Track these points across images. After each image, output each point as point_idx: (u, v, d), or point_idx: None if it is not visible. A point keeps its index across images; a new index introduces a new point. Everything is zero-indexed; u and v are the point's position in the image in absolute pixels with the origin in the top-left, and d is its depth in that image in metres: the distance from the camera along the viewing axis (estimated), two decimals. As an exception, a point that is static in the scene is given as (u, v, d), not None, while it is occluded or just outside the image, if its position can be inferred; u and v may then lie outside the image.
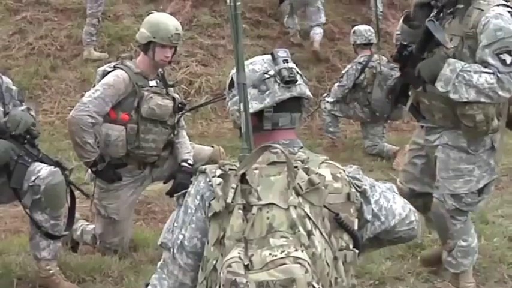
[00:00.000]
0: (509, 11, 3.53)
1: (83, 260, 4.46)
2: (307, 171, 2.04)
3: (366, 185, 2.20)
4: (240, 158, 2.08)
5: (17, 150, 3.84)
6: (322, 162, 2.13)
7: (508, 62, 3.43)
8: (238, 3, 2.08)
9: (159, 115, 4.41)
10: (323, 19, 9.90)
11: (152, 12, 4.69)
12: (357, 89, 7.49)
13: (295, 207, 1.94)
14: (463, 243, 3.89)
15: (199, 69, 9.27)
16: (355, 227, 2.11)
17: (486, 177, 3.79)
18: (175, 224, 2.16)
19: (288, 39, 10.06)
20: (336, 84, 7.77)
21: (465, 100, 3.47)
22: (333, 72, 9.56)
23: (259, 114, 2.20)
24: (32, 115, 4.04)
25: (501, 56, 3.43)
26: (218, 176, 2.07)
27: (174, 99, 4.55)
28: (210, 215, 2.02)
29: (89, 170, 4.52)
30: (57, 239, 4.01)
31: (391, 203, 2.27)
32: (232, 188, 1.99)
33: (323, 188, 2.02)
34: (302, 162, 2.09)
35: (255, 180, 2.01)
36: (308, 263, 1.85)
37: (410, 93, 3.96)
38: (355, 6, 11.04)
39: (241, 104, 2.11)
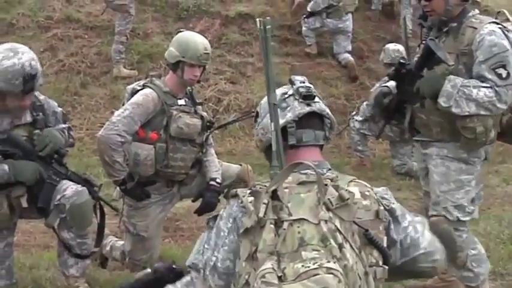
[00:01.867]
0: (500, 28, 3.71)
1: (112, 276, 4.51)
2: (336, 188, 2.13)
3: (394, 204, 2.28)
4: (272, 176, 2.20)
5: (44, 171, 3.87)
6: (351, 181, 2.23)
7: (504, 75, 3.62)
8: (268, 27, 2.26)
9: (187, 134, 4.43)
10: (350, 47, 10.05)
11: (181, 31, 4.68)
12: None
13: (326, 221, 2.03)
14: (474, 252, 3.97)
15: (227, 87, 9.32)
16: (385, 244, 2.19)
17: (479, 186, 3.96)
18: (206, 246, 2.23)
19: (313, 56, 10.11)
20: (364, 103, 7.79)
21: (466, 113, 3.65)
22: (362, 90, 9.59)
23: (284, 133, 2.31)
24: (69, 134, 4.11)
25: (497, 70, 3.62)
26: (249, 195, 2.15)
27: (202, 117, 4.55)
28: (241, 231, 2.10)
29: (118, 187, 4.55)
30: (85, 258, 4.05)
31: (418, 235, 2.32)
32: (264, 203, 2.06)
33: (352, 204, 2.11)
34: (331, 180, 2.18)
35: (286, 197, 2.09)
36: (341, 273, 1.92)
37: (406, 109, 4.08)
38: (384, 24, 11.05)
39: (272, 124, 2.25)
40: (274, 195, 2.08)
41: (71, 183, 3.95)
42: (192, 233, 5.48)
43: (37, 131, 3.90)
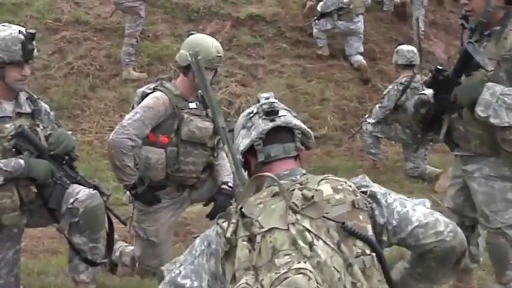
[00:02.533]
0: None
1: (121, 282, 4.50)
2: (302, 190, 2.16)
3: (374, 189, 2.29)
4: (236, 195, 2.28)
5: (56, 171, 3.88)
6: (322, 179, 2.25)
7: None
8: (199, 57, 2.43)
9: (198, 137, 4.40)
10: (362, 48, 10.02)
11: (193, 33, 4.66)
12: (398, 110, 7.44)
13: (293, 224, 2.07)
14: None
15: (238, 90, 9.31)
16: (369, 232, 2.19)
17: None
18: (180, 258, 2.33)
19: (325, 58, 10.09)
20: (377, 105, 7.78)
21: (506, 124, 3.40)
22: (374, 93, 9.57)
23: (253, 151, 2.40)
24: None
25: None
26: (224, 221, 2.22)
27: (213, 120, 4.49)
28: (222, 256, 2.17)
29: (128, 192, 4.54)
30: (96, 266, 4.03)
31: (407, 209, 2.29)
32: (232, 223, 2.14)
33: (320, 201, 2.13)
34: (301, 184, 2.22)
35: (256, 212, 2.14)
36: (310, 271, 1.95)
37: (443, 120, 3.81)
38: (396, 25, 11.04)
39: (226, 147, 2.35)
40: (243, 213, 2.13)
41: (82, 187, 3.95)
42: (203, 238, 5.43)
43: (50, 131, 3.94)
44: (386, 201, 2.28)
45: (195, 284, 2.21)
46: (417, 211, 2.29)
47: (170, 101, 4.34)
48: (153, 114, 4.27)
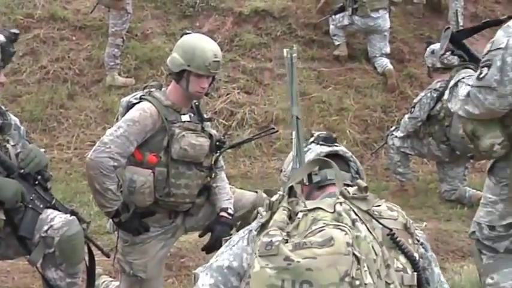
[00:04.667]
0: None
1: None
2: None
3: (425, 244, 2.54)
4: (291, 175, 2.58)
5: (27, 193, 3.89)
6: (378, 200, 2.47)
7: None
8: (294, 55, 2.74)
9: (192, 156, 4.40)
10: (388, 49, 9.97)
11: (187, 32, 4.67)
12: (432, 121, 7.42)
13: (340, 204, 2.30)
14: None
15: (241, 98, 9.31)
16: (415, 254, 2.38)
17: None
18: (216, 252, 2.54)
19: (344, 60, 10.09)
20: (406, 116, 7.71)
21: None
22: (402, 101, 9.57)
23: (308, 178, 2.59)
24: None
25: None
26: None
27: (211, 136, 4.54)
28: (258, 230, 2.39)
29: (111, 220, 4.54)
30: None
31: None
32: (278, 196, 2.38)
33: (371, 198, 2.39)
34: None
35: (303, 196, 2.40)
36: (348, 229, 2.18)
37: None
38: (429, 20, 11.04)
39: (293, 133, 2.66)
40: (291, 192, 2.38)
41: (58, 212, 3.97)
42: (200, 272, 5.44)
43: (20, 149, 3.96)
44: (431, 263, 2.56)
45: (235, 264, 2.41)
46: None
47: (159, 113, 4.35)
48: (138, 129, 4.28)
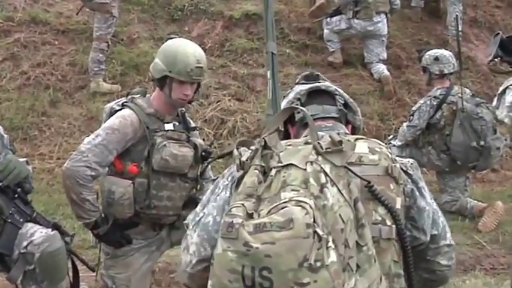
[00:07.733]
0: None
1: None
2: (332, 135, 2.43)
3: (414, 175, 2.56)
4: (266, 123, 2.66)
5: (6, 207, 3.89)
6: (361, 138, 2.52)
7: None
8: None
9: (174, 167, 4.38)
10: (385, 54, 9.99)
11: (173, 37, 4.71)
12: (432, 130, 7.45)
13: (311, 163, 2.28)
14: None
15: (233, 105, 9.29)
16: (396, 205, 2.43)
17: None
18: (199, 206, 2.57)
19: (339, 66, 10.08)
20: (404, 124, 7.73)
21: None
22: (400, 108, 9.58)
23: (292, 119, 2.72)
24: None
25: None
26: (240, 146, 2.48)
27: (196, 146, 4.52)
28: (234, 184, 2.43)
29: (90, 232, 4.51)
30: None
31: (439, 216, 2.63)
32: (251, 149, 2.38)
33: (346, 150, 2.36)
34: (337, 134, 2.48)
35: (280, 147, 2.39)
36: (310, 207, 2.12)
37: None
38: (427, 25, 11.10)
39: (269, 72, 2.76)
40: (266, 144, 2.38)
41: (39, 226, 3.99)
42: (190, 288, 5.37)
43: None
44: (424, 197, 2.58)
45: (218, 218, 2.42)
46: (445, 225, 2.63)
47: (140, 121, 4.34)
48: (118, 137, 4.27)
